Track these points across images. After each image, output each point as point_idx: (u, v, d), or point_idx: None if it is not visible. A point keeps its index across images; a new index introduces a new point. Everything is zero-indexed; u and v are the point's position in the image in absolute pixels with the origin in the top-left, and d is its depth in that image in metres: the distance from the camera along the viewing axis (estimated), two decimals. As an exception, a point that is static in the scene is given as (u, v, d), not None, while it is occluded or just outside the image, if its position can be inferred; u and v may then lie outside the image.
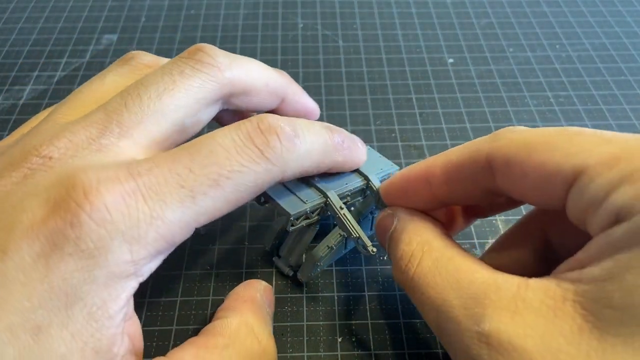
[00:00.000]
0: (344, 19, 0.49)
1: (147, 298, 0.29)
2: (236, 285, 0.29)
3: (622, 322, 0.14)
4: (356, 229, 0.26)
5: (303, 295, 0.29)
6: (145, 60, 0.24)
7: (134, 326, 0.20)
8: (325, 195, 0.26)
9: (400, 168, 0.35)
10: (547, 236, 0.23)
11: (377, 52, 0.46)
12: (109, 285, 0.17)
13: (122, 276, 0.18)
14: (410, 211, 0.23)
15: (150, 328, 0.27)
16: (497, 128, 0.39)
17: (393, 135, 0.38)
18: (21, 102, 0.40)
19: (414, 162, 0.36)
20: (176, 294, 0.29)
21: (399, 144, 0.37)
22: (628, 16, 0.50)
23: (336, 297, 0.29)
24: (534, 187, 0.18)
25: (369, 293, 0.29)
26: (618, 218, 0.15)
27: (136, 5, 0.50)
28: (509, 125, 0.38)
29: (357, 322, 0.28)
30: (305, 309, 0.28)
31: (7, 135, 0.38)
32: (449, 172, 0.21)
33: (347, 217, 0.26)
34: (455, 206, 0.25)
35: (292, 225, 0.26)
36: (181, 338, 0.27)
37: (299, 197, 0.26)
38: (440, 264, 0.20)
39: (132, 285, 0.18)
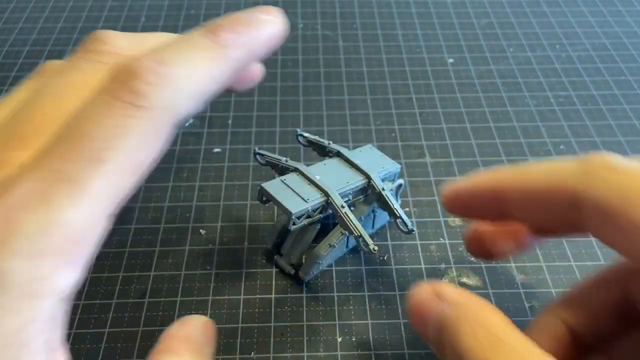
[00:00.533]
0: (344, 18, 0.49)
1: (146, 298, 0.29)
2: (236, 286, 0.29)
3: None
4: (358, 228, 0.26)
5: (303, 295, 0.29)
6: (114, 45, 0.20)
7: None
8: (327, 194, 0.26)
9: (402, 167, 0.35)
10: (630, 292, 0.20)
11: (377, 52, 0.46)
12: (11, 310, 0.15)
13: (28, 297, 0.15)
14: (464, 295, 0.19)
15: (150, 328, 0.27)
16: (497, 128, 0.39)
17: (393, 135, 0.38)
18: (21, 102, 0.40)
19: (414, 162, 0.36)
20: (176, 295, 0.29)
21: (399, 143, 0.37)
22: (628, 16, 0.50)
23: (336, 297, 0.29)
24: (631, 242, 0.16)
25: (368, 293, 0.29)
26: None
27: (136, 5, 0.50)
28: (509, 126, 0.39)
29: (357, 322, 0.28)
30: (305, 308, 0.28)
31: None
32: (526, 197, 0.19)
33: (348, 216, 0.26)
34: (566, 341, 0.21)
35: (294, 224, 0.26)
36: (181, 338, 0.27)
37: (300, 196, 0.26)
38: None
39: (48, 304, 0.16)
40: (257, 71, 0.22)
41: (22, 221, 0.15)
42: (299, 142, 0.31)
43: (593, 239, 0.32)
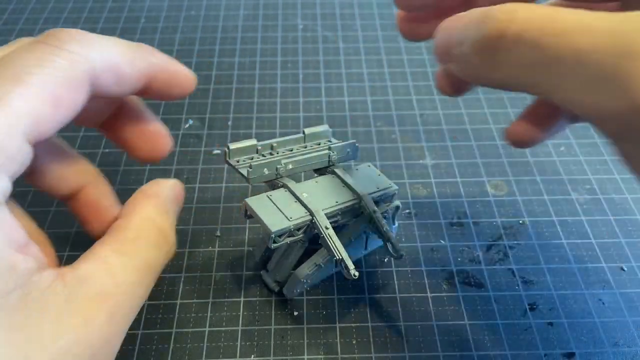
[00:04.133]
0: (344, 20, 0.49)
1: (146, 300, 0.28)
2: (235, 291, 0.29)
3: None
4: (339, 251, 0.25)
5: (304, 298, 0.29)
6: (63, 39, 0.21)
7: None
8: (312, 213, 0.25)
9: (402, 168, 0.35)
10: None
11: (377, 53, 0.45)
12: None
13: None
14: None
15: (149, 331, 0.27)
16: (497, 130, 0.39)
17: (393, 136, 0.38)
18: (20, 103, 0.40)
19: (414, 164, 0.36)
20: (175, 297, 0.29)
21: (400, 145, 0.37)
22: (628, 17, 0.50)
23: (337, 300, 0.29)
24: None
25: (369, 295, 0.29)
26: None
27: (136, 6, 0.50)
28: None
29: (358, 324, 0.28)
30: (305, 311, 0.28)
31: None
32: None
33: (331, 238, 0.25)
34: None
35: (274, 242, 0.25)
36: (180, 341, 0.27)
37: (283, 214, 0.25)
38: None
39: None
40: (185, 82, 0.24)
41: None
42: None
43: (595, 242, 0.32)
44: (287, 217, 0.25)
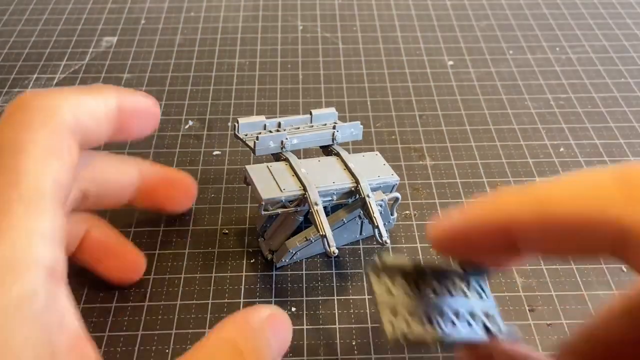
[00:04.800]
0: (344, 21, 0.49)
1: (146, 302, 0.28)
2: (236, 289, 0.29)
3: None
4: (324, 227, 0.26)
5: (303, 299, 0.29)
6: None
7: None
8: (305, 188, 0.26)
9: (402, 170, 0.35)
10: None
11: (376, 54, 0.45)
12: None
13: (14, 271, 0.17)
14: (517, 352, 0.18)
15: (149, 332, 0.27)
16: (497, 130, 0.38)
17: (393, 137, 0.38)
18: (20, 104, 0.40)
19: (414, 165, 0.36)
20: (175, 298, 0.29)
21: (399, 146, 0.37)
22: (628, 18, 0.50)
23: (336, 301, 0.29)
24: None
25: (369, 296, 0.29)
26: None
27: (136, 7, 0.50)
28: (509, 128, 0.39)
29: (357, 325, 0.28)
30: (305, 312, 0.28)
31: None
32: (550, 231, 0.15)
33: (318, 214, 0.26)
34: None
35: (265, 210, 0.26)
36: (180, 342, 0.27)
37: (278, 185, 0.26)
38: None
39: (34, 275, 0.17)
40: (151, 109, 0.25)
41: None
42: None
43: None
44: (280, 188, 0.26)
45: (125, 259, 0.28)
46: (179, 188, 0.29)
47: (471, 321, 0.19)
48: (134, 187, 0.27)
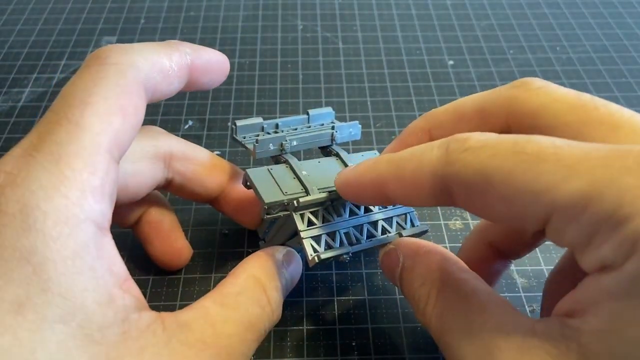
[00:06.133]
0: (344, 20, 0.49)
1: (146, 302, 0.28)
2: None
3: None
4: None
5: (303, 299, 0.29)
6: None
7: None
8: (307, 191, 0.26)
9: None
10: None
11: (377, 54, 0.45)
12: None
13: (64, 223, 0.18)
14: (416, 244, 0.23)
15: (149, 332, 0.27)
16: (497, 130, 0.38)
17: (393, 137, 0.38)
18: (20, 104, 0.40)
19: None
20: (175, 299, 0.29)
21: (399, 146, 0.37)
22: (628, 18, 0.50)
23: (336, 301, 0.29)
24: (502, 217, 0.18)
25: (369, 297, 0.29)
26: (604, 265, 0.15)
27: (136, 7, 0.50)
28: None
29: (358, 326, 0.28)
30: (305, 312, 0.28)
31: (6, 137, 0.38)
32: (404, 188, 0.20)
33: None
34: (488, 254, 0.26)
35: (268, 214, 0.26)
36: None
37: (280, 188, 0.26)
38: (452, 307, 0.20)
39: (84, 228, 0.18)
40: (221, 64, 0.26)
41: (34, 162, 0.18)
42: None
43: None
44: (282, 191, 0.26)
45: (171, 245, 0.29)
46: (254, 205, 0.30)
47: (372, 230, 0.26)
48: (218, 191, 0.28)
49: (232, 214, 0.29)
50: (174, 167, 0.27)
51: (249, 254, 0.30)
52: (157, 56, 0.22)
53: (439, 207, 0.33)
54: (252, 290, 0.22)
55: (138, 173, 0.25)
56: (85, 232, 0.18)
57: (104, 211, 0.19)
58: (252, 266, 0.23)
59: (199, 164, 0.28)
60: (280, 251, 0.25)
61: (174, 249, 0.29)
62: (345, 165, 0.29)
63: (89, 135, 0.18)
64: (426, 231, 0.27)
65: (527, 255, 0.31)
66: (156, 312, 0.19)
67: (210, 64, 0.25)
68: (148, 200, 0.28)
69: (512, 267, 0.30)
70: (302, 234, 0.24)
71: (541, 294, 0.29)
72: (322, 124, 0.31)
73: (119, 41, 0.46)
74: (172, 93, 0.24)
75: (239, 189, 0.29)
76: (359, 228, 0.26)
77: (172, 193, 0.29)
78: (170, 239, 0.29)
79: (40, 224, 0.17)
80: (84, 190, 0.18)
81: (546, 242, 0.31)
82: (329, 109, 0.31)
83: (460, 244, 0.31)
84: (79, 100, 0.19)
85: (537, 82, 0.22)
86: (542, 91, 0.21)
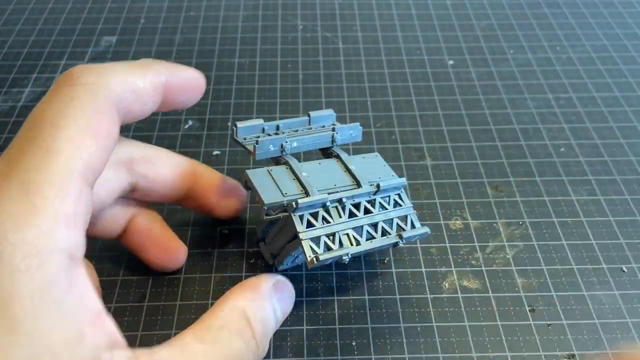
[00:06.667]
0: (344, 20, 0.49)
1: (145, 302, 0.28)
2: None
3: None
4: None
5: (303, 299, 0.29)
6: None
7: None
8: (307, 193, 0.26)
9: (402, 170, 0.35)
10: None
11: (377, 53, 0.45)
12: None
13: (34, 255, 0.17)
14: None
15: (149, 332, 0.27)
16: (497, 130, 0.39)
17: (393, 137, 0.38)
18: (20, 104, 0.40)
19: (414, 165, 0.36)
20: (175, 299, 0.29)
21: (399, 146, 0.37)
22: (628, 17, 0.50)
23: (336, 301, 0.29)
24: None
25: (369, 297, 0.29)
26: None
27: (135, 7, 0.50)
28: (510, 128, 0.39)
29: (358, 326, 0.28)
30: (305, 312, 0.28)
31: (6, 137, 0.38)
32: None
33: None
34: None
35: (267, 215, 0.26)
36: (180, 342, 0.27)
37: (279, 189, 0.26)
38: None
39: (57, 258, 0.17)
40: (196, 82, 0.25)
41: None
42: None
43: (594, 243, 0.31)
44: (282, 193, 0.26)
45: (166, 248, 0.29)
46: (230, 195, 0.30)
47: (372, 231, 0.26)
48: (185, 189, 0.28)
49: (202, 209, 0.29)
50: (137, 171, 0.26)
51: (248, 254, 0.31)
52: (130, 76, 0.21)
53: (438, 207, 0.33)
54: (235, 323, 0.21)
55: (101, 181, 0.23)
56: (55, 264, 0.17)
57: (77, 239, 0.18)
58: (237, 297, 0.22)
59: (162, 164, 0.27)
60: (268, 280, 0.24)
61: (169, 251, 0.29)
62: (346, 166, 0.29)
63: (60, 160, 0.18)
64: (427, 233, 0.27)
65: (527, 255, 0.31)
66: (131, 350, 0.18)
67: (186, 82, 0.24)
68: (130, 211, 0.28)
69: (512, 267, 0.30)
70: (301, 235, 0.24)
71: (541, 294, 0.29)
72: (323, 126, 0.31)
73: (119, 41, 0.46)
74: (147, 114, 0.23)
75: (205, 183, 0.28)
76: (358, 229, 0.26)
77: (139, 198, 0.28)
78: (164, 242, 0.29)
79: (8, 257, 0.16)
80: (56, 219, 0.17)
81: (548, 243, 0.32)
82: (330, 111, 0.31)
83: (460, 244, 0.31)
84: (49, 124, 0.18)
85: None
86: None
